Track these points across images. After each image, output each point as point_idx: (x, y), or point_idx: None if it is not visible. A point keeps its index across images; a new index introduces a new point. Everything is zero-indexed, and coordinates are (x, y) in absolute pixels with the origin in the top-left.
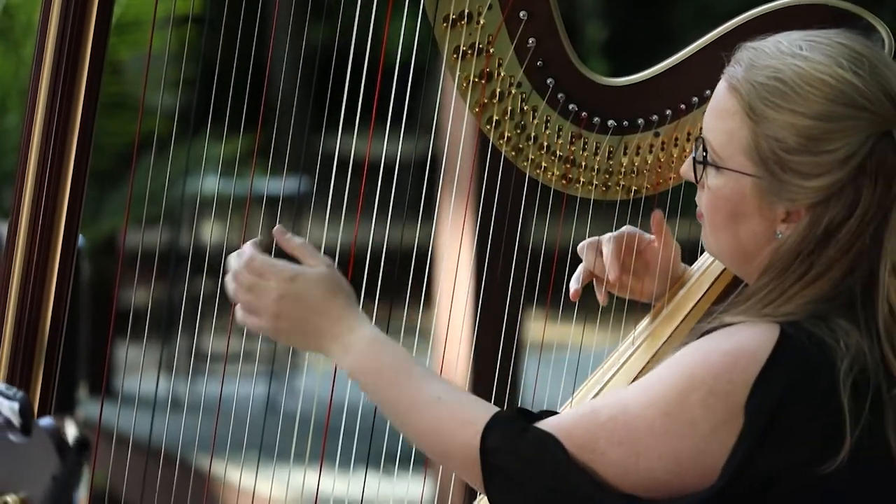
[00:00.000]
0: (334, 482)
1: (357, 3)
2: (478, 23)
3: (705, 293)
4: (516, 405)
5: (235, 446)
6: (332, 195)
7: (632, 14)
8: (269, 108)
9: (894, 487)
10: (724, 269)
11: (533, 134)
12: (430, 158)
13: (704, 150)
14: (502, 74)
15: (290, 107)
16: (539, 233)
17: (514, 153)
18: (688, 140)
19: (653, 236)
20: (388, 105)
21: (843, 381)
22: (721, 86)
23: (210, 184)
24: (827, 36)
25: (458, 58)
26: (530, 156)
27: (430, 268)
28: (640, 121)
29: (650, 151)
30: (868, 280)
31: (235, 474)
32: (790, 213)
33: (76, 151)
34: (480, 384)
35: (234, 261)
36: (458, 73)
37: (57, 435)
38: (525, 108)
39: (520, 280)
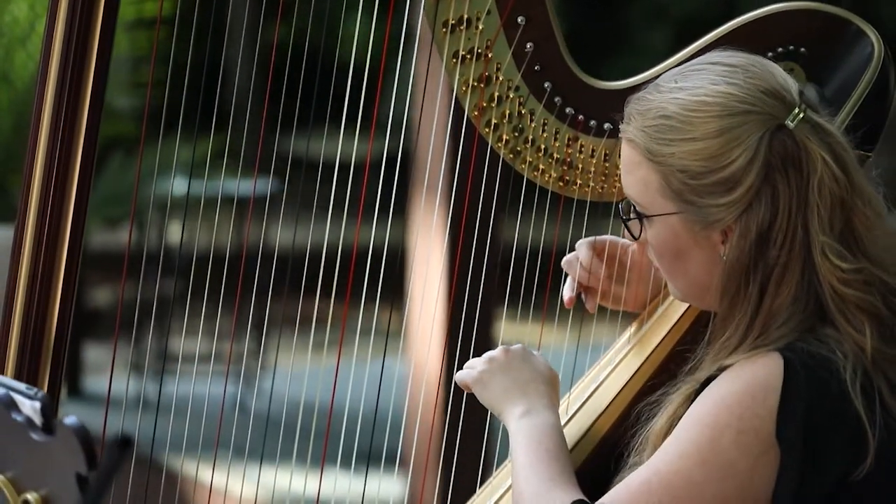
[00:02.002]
0: (305, 481)
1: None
2: (476, 28)
3: (688, 307)
4: None
5: (206, 446)
6: (302, 195)
7: (583, 14)
8: (236, 110)
9: None
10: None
11: (531, 137)
12: (398, 157)
13: (631, 208)
14: (500, 78)
15: (258, 108)
16: (512, 231)
17: (511, 156)
18: None
19: (630, 241)
20: (357, 105)
21: (853, 388)
22: (622, 145)
23: (179, 185)
24: (699, 62)
25: (457, 62)
26: (528, 158)
27: (402, 267)
28: None
29: None
30: (815, 270)
31: (207, 474)
32: (725, 233)
33: (82, 154)
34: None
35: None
36: (457, 77)
37: (83, 433)
38: (523, 112)
39: (492, 279)
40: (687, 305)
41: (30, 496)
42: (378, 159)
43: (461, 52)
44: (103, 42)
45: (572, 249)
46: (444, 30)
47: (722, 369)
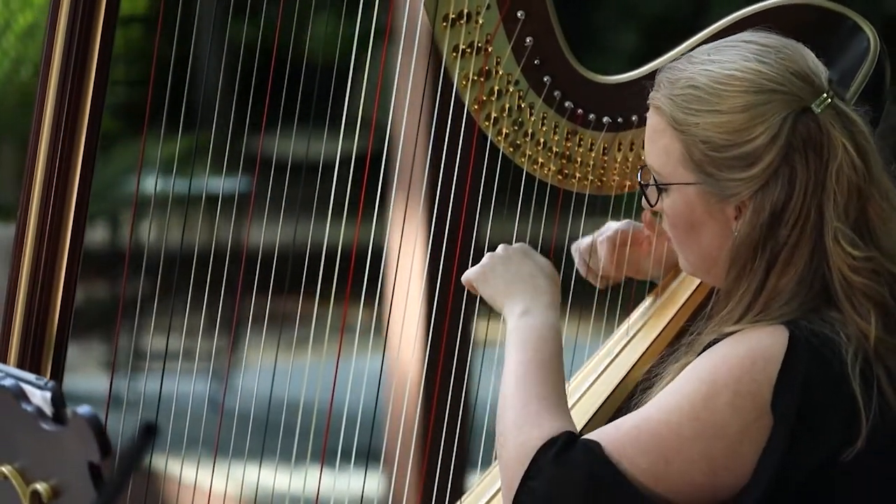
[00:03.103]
0: (274, 476)
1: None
2: (476, 22)
3: (700, 284)
4: (472, 402)
5: (180, 443)
6: (277, 194)
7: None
8: (208, 108)
9: None
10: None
11: (530, 131)
12: (368, 154)
13: (651, 176)
14: (500, 72)
15: (231, 107)
16: (491, 228)
17: (511, 149)
18: None
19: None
20: (335, 103)
21: (852, 370)
22: (649, 112)
23: (149, 183)
24: (733, 39)
25: (457, 56)
26: (527, 152)
27: (380, 265)
28: (634, 117)
29: (644, 148)
30: (825, 255)
31: (183, 470)
32: (739, 209)
33: (84, 150)
34: (432, 381)
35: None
36: (457, 71)
37: (96, 423)
38: (522, 106)
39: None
40: (697, 283)
41: (39, 486)
42: (356, 157)
43: (461, 47)
44: (105, 41)
45: (549, 245)
46: (444, 24)
47: (723, 335)
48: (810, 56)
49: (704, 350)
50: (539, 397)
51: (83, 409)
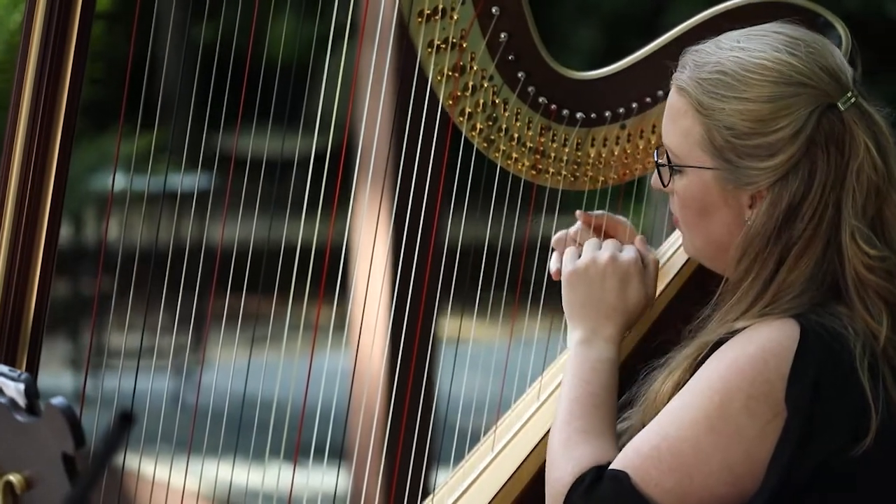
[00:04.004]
0: (232, 472)
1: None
2: (451, 18)
3: (672, 279)
4: (437, 399)
5: (147, 440)
6: (241, 192)
7: None
8: (172, 105)
9: None
10: (687, 262)
11: (504, 126)
12: (328, 152)
13: (666, 156)
14: (475, 68)
15: (195, 104)
16: (456, 226)
17: (485, 144)
18: (653, 132)
19: (625, 220)
20: (297, 101)
21: (861, 365)
22: (671, 91)
23: (116, 180)
24: (763, 28)
25: (432, 52)
26: (501, 147)
27: (345, 262)
28: (608, 113)
29: (616, 143)
30: (840, 251)
31: (149, 467)
32: (754, 198)
33: (60, 145)
34: (397, 378)
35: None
36: (431, 66)
37: (70, 414)
38: (497, 101)
39: (435, 273)
40: (662, 288)
41: (12, 478)
42: (320, 154)
43: (436, 42)
44: (81, 39)
45: (511, 244)
46: (419, 20)
47: (732, 333)
48: (837, 53)
49: (713, 349)
50: (579, 430)
51: (57, 400)
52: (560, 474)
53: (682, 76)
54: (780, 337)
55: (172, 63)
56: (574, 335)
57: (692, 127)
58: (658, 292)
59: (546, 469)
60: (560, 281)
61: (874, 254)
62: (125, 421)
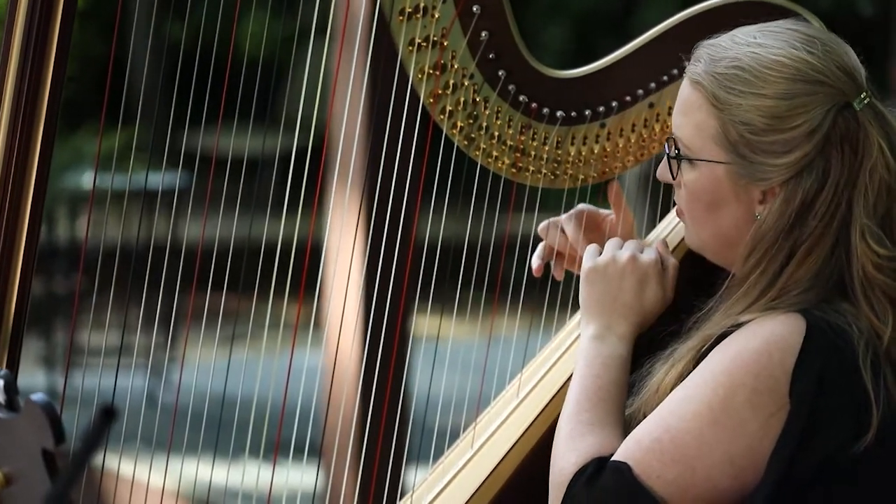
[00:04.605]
0: (209, 470)
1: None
2: (432, 16)
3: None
4: (411, 398)
5: (118, 438)
6: (215, 190)
7: None
8: (146, 104)
9: None
10: (678, 245)
11: (484, 124)
12: (301, 151)
13: (676, 147)
14: (455, 66)
15: (165, 103)
16: (430, 225)
17: (466, 142)
18: (633, 131)
19: (609, 211)
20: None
21: (864, 363)
22: (684, 84)
23: (89, 179)
24: (778, 25)
25: (413, 50)
26: (482, 145)
27: (318, 261)
28: (588, 112)
29: (596, 141)
30: (848, 249)
31: (127, 468)
32: (766, 194)
33: (41, 145)
34: (371, 376)
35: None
36: (412, 64)
37: (51, 409)
38: (477, 99)
39: (415, 273)
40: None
41: None
42: (295, 153)
43: (417, 40)
44: (63, 35)
45: (489, 242)
46: (400, 17)
47: (736, 326)
48: (852, 52)
49: (717, 342)
50: (585, 422)
51: (37, 396)
52: (563, 464)
53: (697, 69)
54: (785, 331)
55: (140, 60)
56: (588, 330)
57: (706, 120)
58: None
59: (551, 459)
60: (537, 278)
61: (884, 253)
62: (107, 415)
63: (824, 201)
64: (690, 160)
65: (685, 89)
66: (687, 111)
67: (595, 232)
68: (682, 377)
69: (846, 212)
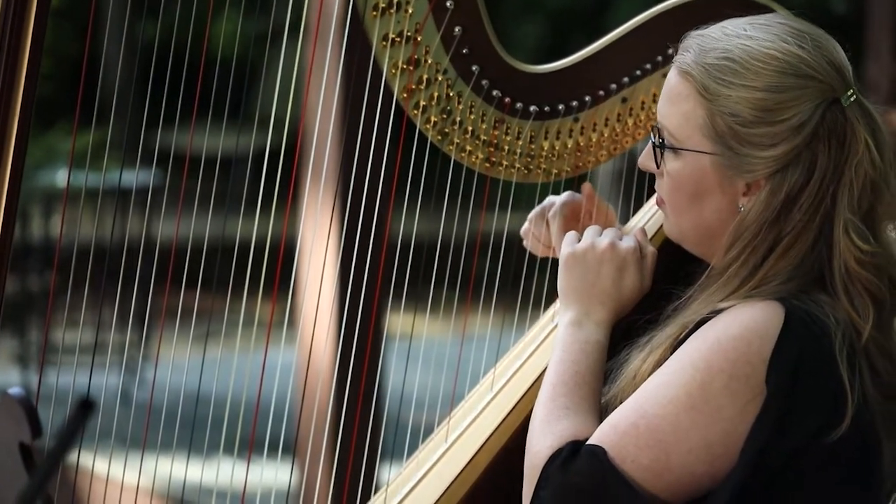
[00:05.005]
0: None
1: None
2: (406, 11)
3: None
4: (385, 394)
5: (92, 436)
6: (187, 189)
7: None
8: (111, 103)
9: (879, 450)
10: (656, 234)
11: (458, 119)
12: (262, 150)
13: (661, 136)
14: (429, 61)
15: (140, 101)
16: (403, 222)
17: (440, 137)
18: (606, 125)
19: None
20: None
21: (840, 353)
22: (672, 73)
23: (61, 177)
24: (768, 18)
25: (386, 45)
26: (455, 140)
27: (292, 259)
28: (561, 106)
29: (570, 136)
30: (830, 243)
31: (102, 466)
32: (750, 186)
33: (15, 144)
34: (345, 373)
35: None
36: (386, 60)
37: (28, 404)
38: (451, 94)
39: (389, 270)
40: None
41: None
42: (273, 151)
43: (391, 35)
44: (37, 32)
45: (462, 240)
46: (374, 13)
47: (715, 312)
48: (840, 48)
49: (695, 328)
50: (562, 406)
51: (14, 390)
52: (538, 448)
53: (686, 59)
54: (763, 318)
55: (115, 60)
56: (565, 316)
57: (694, 111)
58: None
59: (526, 443)
60: (510, 277)
61: (867, 248)
62: (85, 408)
63: (809, 195)
64: (675, 149)
65: (673, 78)
66: (674, 100)
67: (574, 221)
68: (659, 364)
69: (830, 206)
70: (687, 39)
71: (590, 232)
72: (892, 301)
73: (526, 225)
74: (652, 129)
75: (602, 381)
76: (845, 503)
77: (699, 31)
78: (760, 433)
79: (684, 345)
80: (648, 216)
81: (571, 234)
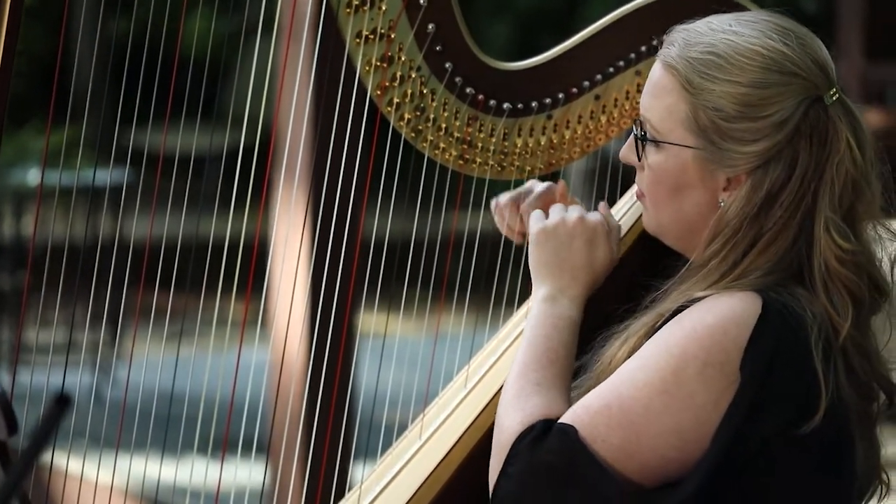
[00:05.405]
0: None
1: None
2: (380, 8)
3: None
4: (358, 394)
5: (64, 436)
6: (158, 187)
7: None
8: (83, 101)
9: (852, 447)
10: (633, 226)
11: (432, 116)
12: (247, 148)
13: (643, 129)
14: (403, 59)
15: (109, 100)
16: (379, 223)
17: (413, 134)
18: (579, 122)
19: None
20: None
21: (815, 347)
22: (656, 67)
23: (33, 176)
24: (753, 14)
25: (360, 42)
26: (429, 137)
27: (264, 258)
28: (534, 104)
29: (543, 133)
30: (811, 241)
31: (75, 466)
32: (731, 181)
33: None
34: (317, 372)
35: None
36: (360, 57)
37: (3, 400)
38: (424, 92)
39: (362, 269)
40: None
41: None
42: (242, 150)
43: (364, 33)
44: (10, 32)
45: (436, 240)
46: (347, 10)
47: (691, 301)
48: (823, 47)
49: (672, 316)
50: (533, 382)
51: None
52: (509, 423)
53: (671, 53)
54: (741, 308)
55: (87, 58)
56: (538, 293)
57: (677, 104)
58: None
59: (496, 419)
60: (482, 277)
61: (847, 247)
62: (61, 403)
63: (791, 192)
64: (657, 143)
65: (657, 72)
66: (658, 94)
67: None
68: (634, 352)
69: (811, 204)
70: (672, 33)
71: (556, 208)
72: (871, 300)
73: (496, 202)
74: (634, 122)
75: (574, 359)
76: (817, 491)
77: (684, 26)
78: (733, 420)
79: (661, 330)
80: (627, 208)
81: (538, 212)
